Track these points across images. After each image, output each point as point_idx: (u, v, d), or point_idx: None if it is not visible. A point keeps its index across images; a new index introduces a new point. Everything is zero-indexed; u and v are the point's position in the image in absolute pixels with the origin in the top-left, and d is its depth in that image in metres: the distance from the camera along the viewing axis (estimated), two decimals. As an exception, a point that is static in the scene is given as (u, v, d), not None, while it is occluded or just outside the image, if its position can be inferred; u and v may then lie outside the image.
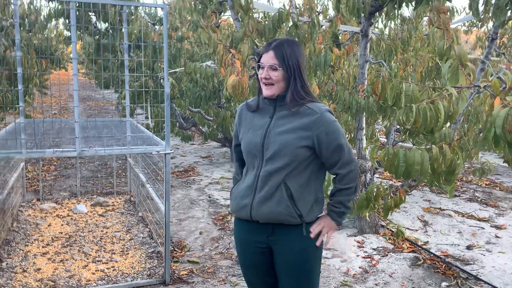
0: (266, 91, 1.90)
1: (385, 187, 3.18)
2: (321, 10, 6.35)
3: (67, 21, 6.45)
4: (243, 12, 3.86)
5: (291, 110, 1.88)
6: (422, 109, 2.19)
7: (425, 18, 5.79)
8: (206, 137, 8.05)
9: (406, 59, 4.80)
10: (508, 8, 2.70)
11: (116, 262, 3.74)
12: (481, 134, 3.66)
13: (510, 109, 1.90)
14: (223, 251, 4.05)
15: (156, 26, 7.99)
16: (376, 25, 5.21)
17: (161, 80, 6.86)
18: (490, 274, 3.67)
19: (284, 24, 3.96)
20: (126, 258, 3.83)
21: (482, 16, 3.07)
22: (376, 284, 3.48)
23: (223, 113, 7.09)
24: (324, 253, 3.97)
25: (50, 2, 6.18)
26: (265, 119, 1.94)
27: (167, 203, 3.39)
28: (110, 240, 4.20)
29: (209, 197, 5.83)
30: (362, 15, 3.75)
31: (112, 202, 5.40)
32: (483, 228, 4.75)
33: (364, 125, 4.23)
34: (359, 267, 3.75)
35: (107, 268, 3.62)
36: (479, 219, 5.06)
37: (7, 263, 3.61)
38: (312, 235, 1.93)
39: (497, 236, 4.53)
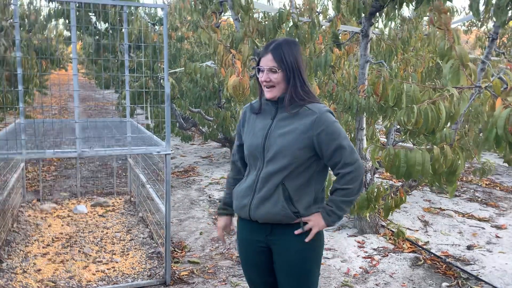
0: (268, 94, 1.91)
1: (386, 187, 3.18)
2: (321, 10, 6.35)
3: (67, 21, 6.45)
4: (244, 12, 3.85)
5: (290, 112, 1.89)
6: (424, 110, 2.19)
7: (425, 18, 5.79)
8: (206, 137, 8.05)
9: (407, 59, 4.80)
10: (509, 8, 2.69)
11: (117, 262, 3.74)
12: (481, 134, 3.66)
13: (511, 110, 1.89)
14: (223, 252, 4.05)
15: (156, 26, 7.99)
16: (376, 25, 5.21)
17: (161, 81, 6.85)
18: (490, 274, 3.67)
19: (284, 24, 3.96)
20: (126, 258, 3.83)
21: (483, 16, 3.08)
22: (376, 285, 3.47)
23: (223, 113, 7.09)
24: (324, 253, 3.97)
25: (50, 3, 6.18)
26: (267, 120, 1.95)
27: (168, 204, 3.39)
28: (111, 241, 4.19)
29: (209, 197, 5.83)
30: (363, 15, 3.75)
31: (113, 203, 5.39)
32: (483, 228, 4.74)
33: (364, 125, 4.23)
34: (360, 267, 3.75)
35: (107, 269, 3.62)
36: (480, 219, 5.06)
37: (7, 264, 3.61)
38: (296, 232, 1.93)
39: (497, 236, 4.53)
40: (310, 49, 4.08)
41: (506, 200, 5.88)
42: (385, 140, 5.66)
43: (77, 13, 3.62)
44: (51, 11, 6.58)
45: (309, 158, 1.88)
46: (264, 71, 1.89)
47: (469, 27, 9.32)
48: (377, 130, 5.19)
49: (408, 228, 4.65)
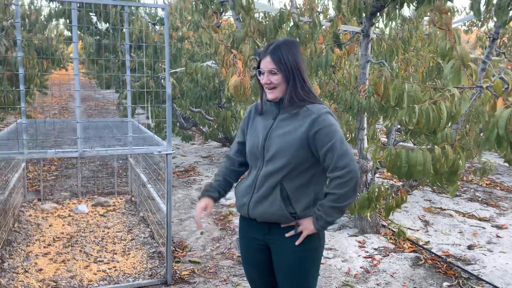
0: (269, 95, 1.93)
1: (386, 187, 3.18)
2: (321, 10, 6.35)
3: (67, 21, 6.45)
4: (244, 12, 3.86)
5: (290, 113, 1.90)
6: (425, 110, 2.19)
7: (426, 18, 5.80)
8: (207, 137, 8.05)
9: (407, 59, 4.80)
10: (510, 8, 2.70)
11: (118, 262, 3.74)
12: (481, 134, 3.67)
13: (512, 110, 1.90)
14: (224, 251, 4.06)
15: (157, 26, 7.99)
16: (377, 25, 5.21)
17: (162, 81, 6.86)
18: (491, 274, 3.67)
19: (285, 24, 3.96)
20: (127, 258, 3.83)
21: (483, 16, 3.08)
22: (377, 284, 3.48)
23: (223, 113, 7.09)
24: (325, 253, 3.97)
25: (51, 3, 6.18)
26: (269, 121, 1.97)
27: (169, 203, 3.39)
28: (112, 240, 4.20)
29: (210, 197, 5.83)
30: (364, 15, 3.75)
31: (113, 202, 5.40)
32: (484, 228, 4.75)
33: (365, 125, 4.24)
34: (361, 267, 3.76)
35: (108, 269, 3.62)
36: (480, 219, 5.06)
37: (8, 264, 3.61)
38: (287, 235, 1.93)
39: (498, 236, 4.53)
40: (311, 49, 4.08)
41: (507, 200, 5.88)
42: (386, 139, 5.67)
43: (78, 13, 3.63)
44: (52, 11, 6.58)
45: (308, 158, 1.88)
46: (264, 73, 1.91)
47: (470, 27, 9.32)
48: (378, 130, 5.19)
49: (408, 228, 4.66)
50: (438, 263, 3.86)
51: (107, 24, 6.40)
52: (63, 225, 4.58)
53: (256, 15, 4.42)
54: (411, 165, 2.24)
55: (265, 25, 3.88)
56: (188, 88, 7.33)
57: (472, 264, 3.88)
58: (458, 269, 3.74)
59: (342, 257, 3.94)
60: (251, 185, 1.97)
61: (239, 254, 2.86)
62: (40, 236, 4.23)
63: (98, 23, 6.72)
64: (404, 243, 4.22)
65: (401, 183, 5.42)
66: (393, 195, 3.22)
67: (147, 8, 7.58)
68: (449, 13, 2.56)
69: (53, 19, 6.68)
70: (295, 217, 1.91)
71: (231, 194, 5.92)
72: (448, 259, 3.92)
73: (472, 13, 3.04)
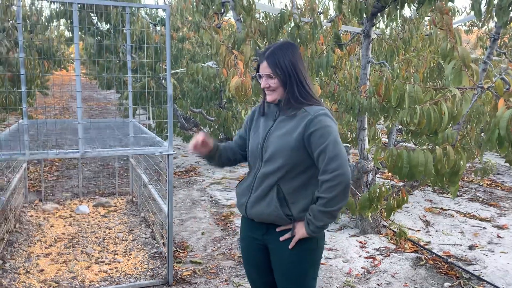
0: (269, 97, 1.97)
1: (387, 187, 3.19)
2: (322, 11, 6.35)
3: (68, 22, 6.46)
4: (245, 13, 3.86)
5: (288, 114, 1.92)
6: (426, 110, 2.20)
7: (427, 18, 5.80)
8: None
9: (408, 59, 4.80)
10: (510, 9, 2.70)
11: (119, 263, 3.75)
12: (482, 134, 3.67)
13: (514, 110, 1.90)
14: (225, 252, 4.06)
15: (157, 27, 8.00)
16: (377, 26, 5.21)
17: (163, 81, 6.86)
18: (492, 274, 3.67)
19: (286, 25, 3.96)
20: (129, 258, 3.84)
21: (484, 17, 3.08)
22: (378, 285, 3.48)
23: (224, 113, 7.09)
24: (326, 253, 3.98)
25: (52, 4, 6.19)
26: (269, 122, 2.00)
27: (170, 204, 3.39)
28: (113, 241, 4.20)
29: (211, 198, 5.83)
30: (364, 15, 3.75)
31: (114, 203, 5.40)
32: (485, 228, 4.75)
33: (366, 126, 4.24)
34: (362, 268, 3.76)
35: (110, 269, 3.63)
36: (481, 219, 5.06)
37: (10, 264, 3.62)
38: (281, 238, 1.94)
39: (499, 236, 4.53)
40: (311, 50, 4.08)
41: (508, 200, 5.88)
42: (387, 140, 5.67)
43: (79, 14, 3.63)
44: (53, 12, 6.59)
45: (304, 160, 1.89)
46: (263, 77, 1.95)
47: (470, 27, 9.32)
48: (379, 130, 5.20)
49: (409, 228, 4.66)
50: (439, 263, 3.86)
51: (108, 25, 6.41)
52: (64, 225, 4.59)
53: (257, 15, 4.43)
54: (412, 166, 2.24)
55: (266, 26, 3.89)
56: (189, 89, 7.34)
57: (473, 264, 3.88)
58: (459, 269, 3.74)
59: (343, 258, 3.94)
60: (249, 185, 2.00)
61: (240, 255, 2.87)
62: (42, 237, 4.24)
63: (99, 24, 6.73)
64: (405, 244, 4.22)
65: (402, 183, 5.43)
66: (394, 195, 3.22)
67: (148, 8, 7.59)
68: (450, 14, 2.56)
69: (54, 20, 6.68)
70: (291, 219, 1.92)
71: (232, 195, 5.93)
72: (449, 260, 3.92)
73: (472, 13, 3.04)
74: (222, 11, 4.31)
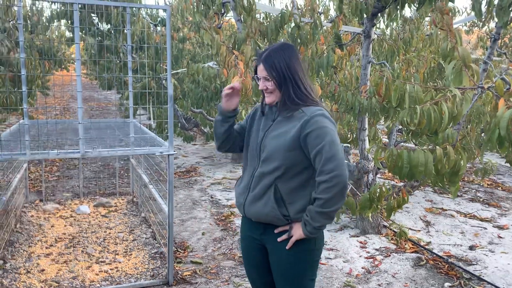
0: (267, 99, 1.99)
1: (388, 187, 3.19)
2: (322, 11, 6.36)
3: (69, 22, 6.47)
4: (246, 13, 3.87)
5: (285, 116, 1.94)
6: (426, 110, 2.20)
7: (427, 19, 5.80)
8: (208, 138, 8.06)
9: (409, 59, 4.81)
10: (511, 9, 2.70)
11: (120, 263, 3.75)
12: (483, 135, 3.67)
13: (514, 111, 1.90)
14: (225, 252, 4.06)
15: (158, 27, 8.01)
16: (378, 26, 5.22)
17: (164, 81, 6.87)
18: (493, 274, 3.67)
19: (286, 25, 3.97)
20: (129, 259, 3.84)
21: (485, 17, 3.08)
22: (379, 285, 3.48)
23: (225, 113, 7.08)
24: (326, 253, 3.98)
25: (53, 4, 6.20)
26: (268, 122, 2.01)
27: (171, 204, 3.40)
28: (113, 241, 4.21)
29: (211, 198, 5.84)
30: (365, 16, 3.75)
31: (115, 203, 5.41)
32: (485, 228, 4.75)
33: (366, 126, 4.24)
34: (362, 268, 3.76)
35: (110, 269, 3.63)
36: (482, 219, 5.06)
37: (10, 264, 3.63)
38: (279, 239, 1.94)
39: (499, 237, 4.53)
40: (312, 50, 4.09)
41: (508, 200, 5.88)
42: (387, 140, 5.67)
43: (80, 14, 3.64)
44: (54, 12, 6.60)
45: (301, 160, 1.89)
46: (260, 79, 1.97)
47: (471, 27, 9.32)
48: (379, 131, 5.20)
49: (410, 228, 4.66)
50: (439, 263, 3.86)
51: (109, 25, 6.42)
52: (65, 225, 4.59)
53: (258, 16, 4.43)
54: (412, 166, 2.24)
55: (267, 26, 3.89)
56: (190, 89, 7.34)
57: (473, 264, 3.88)
58: (460, 269, 3.74)
59: (344, 258, 3.94)
60: (247, 185, 2.01)
61: (241, 255, 2.87)
62: (42, 237, 4.24)
63: (99, 24, 6.73)
64: (405, 244, 4.23)
65: (402, 183, 5.43)
66: (395, 195, 3.23)
67: (148, 9, 7.59)
68: (450, 14, 2.57)
69: (55, 20, 6.69)
70: (289, 219, 1.92)
71: (232, 195, 5.93)
72: (449, 260, 3.92)
73: (473, 13, 3.04)
74: (223, 12, 4.31)
